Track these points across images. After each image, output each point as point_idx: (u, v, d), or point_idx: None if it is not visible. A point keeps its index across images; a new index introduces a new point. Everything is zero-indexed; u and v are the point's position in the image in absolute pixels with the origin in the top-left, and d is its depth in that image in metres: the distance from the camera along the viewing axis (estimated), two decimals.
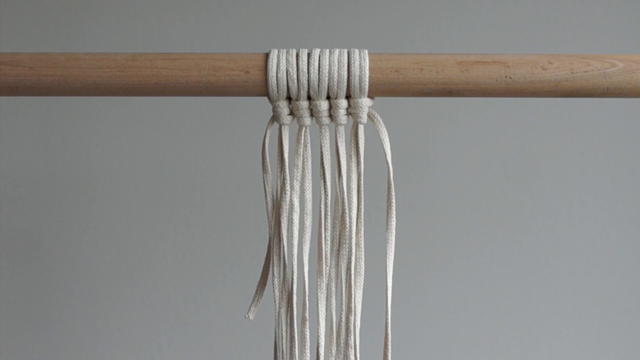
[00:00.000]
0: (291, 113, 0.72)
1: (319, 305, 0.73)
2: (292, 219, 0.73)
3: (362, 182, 0.73)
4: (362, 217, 0.73)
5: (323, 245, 0.73)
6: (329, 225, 0.73)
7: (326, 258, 0.73)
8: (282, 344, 0.73)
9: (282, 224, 0.72)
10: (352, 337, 0.73)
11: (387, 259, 0.72)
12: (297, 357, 0.72)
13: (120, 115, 1.39)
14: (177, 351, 1.41)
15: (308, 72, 0.70)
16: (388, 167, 0.72)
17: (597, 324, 1.41)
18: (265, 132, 0.73)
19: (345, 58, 0.70)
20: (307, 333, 0.72)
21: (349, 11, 1.40)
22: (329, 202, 0.73)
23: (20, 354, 1.40)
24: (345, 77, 0.70)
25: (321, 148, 0.73)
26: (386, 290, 0.72)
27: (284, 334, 0.73)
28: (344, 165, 0.73)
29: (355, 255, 0.73)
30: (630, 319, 1.41)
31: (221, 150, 1.38)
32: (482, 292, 1.41)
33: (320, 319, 0.73)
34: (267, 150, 0.73)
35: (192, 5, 1.40)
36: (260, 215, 0.76)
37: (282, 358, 0.72)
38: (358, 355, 0.73)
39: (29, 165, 1.41)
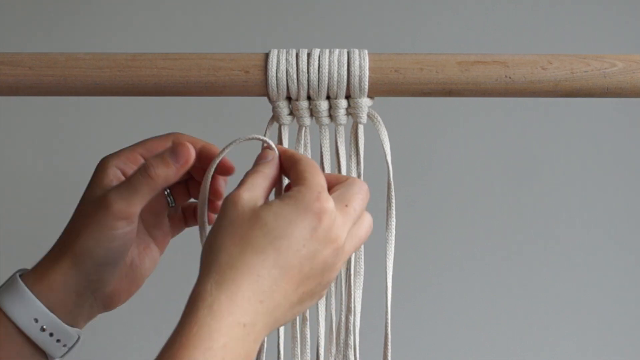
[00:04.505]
0: (291, 113, 0.72)
1: (319, 305, 0.73)
2: None
3: None
4: None
5: None
6: None
7: None
8: (282, 344, 0.73)
9: None
10: (352, 337, 0.73)
11: (387, 259, 0.72)
12: (297, 357, 0.72)
13: (120, 115, 1.39)
14: None
15: (308, 72, 0.70)
16: (388, 167, 0.72)
17: (598, 325, 1.41)
18: (265, 132, 0.73)
19: (345, 58, 0.70)
20: (307, 333, 0.72)
21: (349, 11, 1.40)
22: None
23: None
24: (345, 77, 0.70)
25: (321, 148, 0.73)
26: (386, 290, 0.72)
27: (284, 334, 0.73)
28: (344, 165, 0.73)
29: (355, 255, 0.73)
30: (631, 320, 1.41)
31: None
32: (483, 292, 1.41)
33: (320, 319, 0.73)
34: None
35: (192, 5, 1.40)
36: None
37: (283, 358, 0.72)
38: (358, 355, 0.73)
39: (29, 165, 1.41)
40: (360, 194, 0.64)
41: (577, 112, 1.40)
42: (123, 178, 0.70)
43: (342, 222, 0.62)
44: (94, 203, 0.68)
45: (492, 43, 1.39)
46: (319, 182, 0.63)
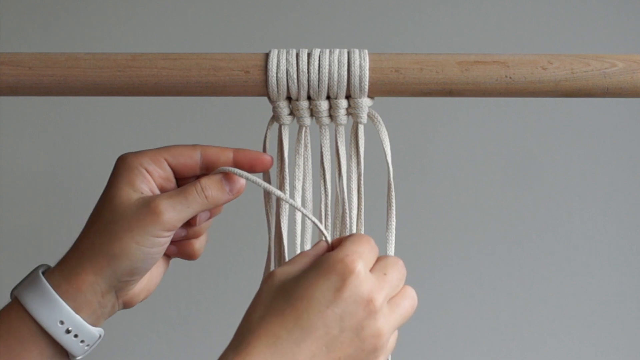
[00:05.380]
0: (291, 113, 0.72)
1: None
2: (294, 218, 0.73)
3: (362, 182, 0.73)
4: (362, 217, 0.73)
5: None
6: (330, 225, 0.73)
7: None
8: None
9: (282, 224, 0.72)
10: None
11: None
12: None
13: (120, 115, 1.39)
14: (177, 351, 1.41)
15: (308, 72, 0.70)
16: (388, 167, 0.72)
17: (598, 325, 1.41)
18: (266, 133, 0.73)
19: (345, 58, 0.70)
20: None
21: (349, 11, 1.40)
22: (329, 202, 0.73)
23: None
24: (345, 77, 0.70)
25: (321, 148, 0.73)
26: None
27: None
28: (344, 165, 0.73)
29: None
30: (631, 320, 1.41)
31: None
32: (483, 292, 1.41)
33: None
34: (266, 150, 0.73)
35: (193, 5, 1.40)
36: (260, 215, 0.76)
37: None
38: None
39: (29, 165, 1.41)
40: (397, 265, 0.65)
41: (577, 112, 1.40)
42: (150, 179, 0.69)
43: (377, 285, 0.62)
44: (139, 207, 0.68)
45: (492, 43, 1.39)
46: (355, 248, 0.63)
